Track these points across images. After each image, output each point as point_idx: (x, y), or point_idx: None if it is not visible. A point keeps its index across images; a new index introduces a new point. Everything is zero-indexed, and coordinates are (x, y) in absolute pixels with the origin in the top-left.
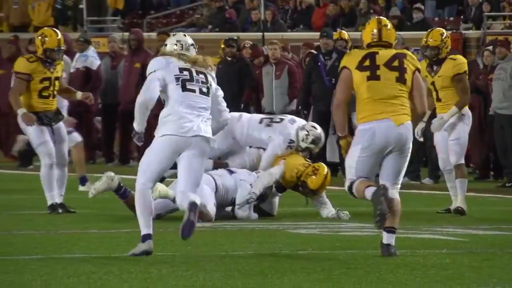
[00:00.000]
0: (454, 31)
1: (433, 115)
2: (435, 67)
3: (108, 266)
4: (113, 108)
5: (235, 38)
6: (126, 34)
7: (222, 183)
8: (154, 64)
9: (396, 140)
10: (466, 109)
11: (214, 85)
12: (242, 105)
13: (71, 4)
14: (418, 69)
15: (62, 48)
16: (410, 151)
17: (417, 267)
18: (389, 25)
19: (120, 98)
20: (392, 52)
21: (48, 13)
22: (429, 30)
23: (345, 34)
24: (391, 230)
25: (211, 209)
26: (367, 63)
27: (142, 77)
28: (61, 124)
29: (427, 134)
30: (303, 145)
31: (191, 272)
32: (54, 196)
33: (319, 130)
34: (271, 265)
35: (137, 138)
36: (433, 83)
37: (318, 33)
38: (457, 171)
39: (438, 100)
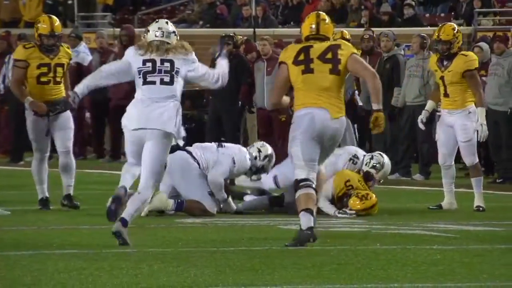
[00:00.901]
0: None
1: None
2: (445, 62)
3: (99, 262)
4: (102, 104)
5: (231, 34)
6: (117, 30)
7: (202, 155)
8: (126, 54)
9: (332, 133)
10: (473, 107)
11: (184, 68)
12: (240, 102)
13: None
14: (353, 53)
15: (56, 33)
16: (337, 143)
17: (408, 263)
18: (327, 20)
19: (111, 94)
20: (326, 44)
21: (39, 8)
22: (440, 25)
23: (347, 33)
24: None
25: (209, 205)
26: (301, 57)
27: None
28: (66, 113)
29: (419, 130)
30: (365, 168)
31: (182, 268)
32: (45, 190)
33: (385, 159)
34: (262, 261)
35: (72, 98)
36: (442, 78)
37: None
38: (473, 171)
39: (446, 95)
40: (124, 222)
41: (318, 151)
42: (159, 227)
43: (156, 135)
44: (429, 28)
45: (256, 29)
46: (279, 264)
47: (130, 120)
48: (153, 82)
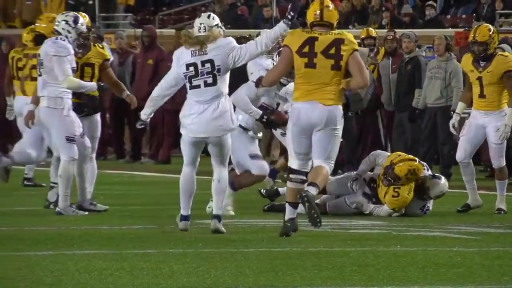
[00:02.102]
0: (466, 29)
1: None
2: (482, 63)
3: (120, 262)
4: (122, 104)
5: (246, 36)
6: (138, 30)
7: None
8: (173, 59)
9: (319, 119)
10: (507, 109)
11: (225, 63)
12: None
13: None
14: (355, 50)
15: None
16: (338, 132)
17: (428, 265)
18: (331, 6)
19: (133, 94)
20: (331, 38)
21: (60, 8)
22: (475, 26)
23: (373, 31)
24: (311, 184)
25: (257, 169)
26: (306, 49)
27: (154, 74)
28: (95, 119)
29: (440, 131)
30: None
31: (202, 268)
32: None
33: (442, 179)
34: (282, 262)
35: (139, 124)
36: (479, 78)
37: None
38: (499, 173)
39: (482, 96)
40: (219, 218)
41: (309, 145)
42: (179, 228)
43: (220, 140)
44: (450, 29)
45: None
46: (299, 266)
47: (188, 127)
48: (198, 86)
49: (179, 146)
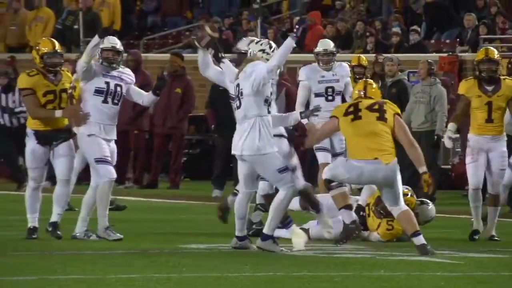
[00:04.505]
0: (450, 53)
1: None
2: (489, 87)
3: (103, 287)
4: None
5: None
6: (124, 55)
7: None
8: None
9: (383, 179)
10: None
11: (247, 86)
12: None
13: (70, 24)
14: (397, 114)
15: (58, 51)
16: (399, 179)
17: None
18: (374, 85)
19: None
20: (373, 100)
21: (45, 33)
22: (483, 48)
23: (364, 59)
24: (417, 233)
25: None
26: (351, 109)
27: None
28: (67, 142)
29: (427, 155)
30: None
31: None
32: (35, 219)
33: (430, 205)
34: (266, 287)
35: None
36: (489, 103)
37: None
38: (496, 200)
39: (490, 121)
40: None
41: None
42: (163, 252)
43: (251, 159)
44: (434, 54)
45: None
46: None
47: (233, 144)
48: (235, 108)
49: (166, 171)
